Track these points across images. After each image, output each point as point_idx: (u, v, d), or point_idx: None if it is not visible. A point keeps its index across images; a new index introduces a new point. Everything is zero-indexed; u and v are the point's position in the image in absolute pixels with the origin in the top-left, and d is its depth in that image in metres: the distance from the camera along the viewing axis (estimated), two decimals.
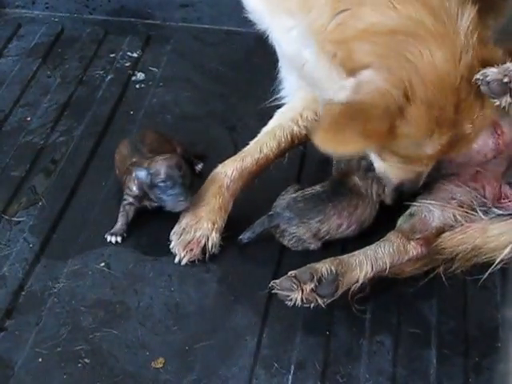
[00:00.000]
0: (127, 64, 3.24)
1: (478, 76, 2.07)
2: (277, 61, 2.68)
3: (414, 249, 2.42)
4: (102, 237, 2.54)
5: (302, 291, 2.27)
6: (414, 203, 2.49)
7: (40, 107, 3.03)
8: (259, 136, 2.64)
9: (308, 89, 2.52)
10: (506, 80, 2.05)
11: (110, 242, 2.53)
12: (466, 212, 2.45)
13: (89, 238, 2.56)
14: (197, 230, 2.47)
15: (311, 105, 2.61)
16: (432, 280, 2.42)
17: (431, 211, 2.46)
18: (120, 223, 2.54)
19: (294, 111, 2.64)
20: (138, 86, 3.15)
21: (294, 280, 2.28)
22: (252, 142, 2.62)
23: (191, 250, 2.46)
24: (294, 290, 2.27)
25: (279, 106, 2.73)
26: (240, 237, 2.50)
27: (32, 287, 2.42)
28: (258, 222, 2.49)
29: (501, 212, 2.46)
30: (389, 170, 2.37)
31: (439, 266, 2.43)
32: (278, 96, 2.78)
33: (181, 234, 2.48)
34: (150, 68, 3.23)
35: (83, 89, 3.13)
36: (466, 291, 2.44)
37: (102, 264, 2.49)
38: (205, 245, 2.47)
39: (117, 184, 2.65)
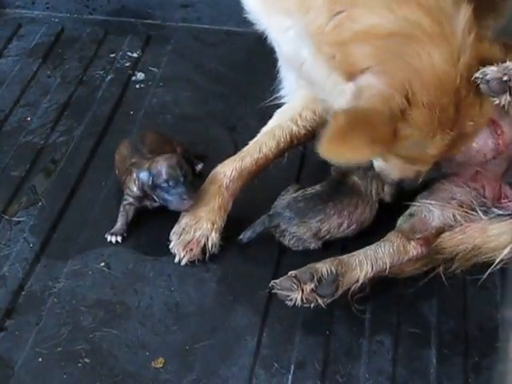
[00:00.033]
0: (127, 64, 3.24)
1: (477, 75, 2.08)
2: (277, 61, 2.69)
3: (414, 249, 2.42)
4: (102, 237, 2.54)
5: (302, 291, 2.27)
6: (414, 203, 2.49)
7: (40, 107, 3.03)
8: (258, 136, 2.64)
9: (307, 88, 2.52)
10: (505, 78, 2.06)
11: (110, 241, 2.53)
12: (466, 212, 2.45)
13: (89, 237, 2.56)
14: (196, 230, 2.47)
15: (310, 104, 2.61)
16: (432, 280, 2.42)
17: (431, 211, 2.46)
18: (120, 223, 2.54)
19: (293, 111, 2.64)
20: (137, 86, 3.15)
21: (294, 280, 2.28)
22: (251, 142, 2.62)
23: (191, 249, 2.46)
24: (294, 290, 2.27)
25: (279, 106, 2.74)
26: (240, 236, 2.50)
27: (32, 287, 2.43)
28: (259, 222, 2.49)
29: (500, 212, 2.46)
30: (389, 168, 2.37)
31: (439, 266, 2.44)
32: (278, 96, 2.79)
33: (180, 234, 2.48)
34: (150, 68, 3.23)
35: (83, 89, 3.13)
36: (466, 291, 2.44)
37: (102, 264, 2.49)
38: (204, 245, 2.47)
39: (117, 184, 2.65)
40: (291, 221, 2.45)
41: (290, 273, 2.31)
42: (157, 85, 3.15)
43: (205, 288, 2.43)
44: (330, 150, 2.06)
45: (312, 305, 2.29)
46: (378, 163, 2.39)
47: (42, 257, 2.51)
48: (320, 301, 2.29)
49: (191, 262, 2.48)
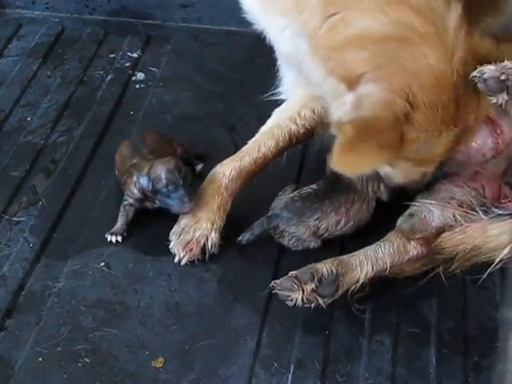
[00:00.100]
0: (127, 64, 3.24)
1: (475, 73, 2.09)
2: (276, 60, 2.69)
3: (414, 249, 2.42)
4: (102, 237, 2.54)
5: (303, 291, 2.27)
6: (414, 203, 2.49)
7: (40, 107, 3.03)
8: (257, 135, 2.64)
9: (306, 86, 2.52)
10: (502, 77, 2.07)
11: (110, 241, 2.53)
12: (466, 212, 2.45)
13: (89, 237, 2.56)
14: (196, 230, 2.47)
15: (309, 103, 2.61)
16: (431, 280, 2.42)
17: (431, 211, 2.46)
18: (120, 223, 2.54)
19: (292, 110, 2.64)
20: (137, 86, 3.15)
21: (295, 280, 2.28)
22: (250, 142, 2.62)
23: (191, 249, 2.46)
24: (295, 290, 2.28)
25: (278, 105, 2.74)
26: (239, 238, 2.50)
27: (32, 287, 2.43)
28: (257, 224, 2.49)
29: (500, 212, 2.46)
30: (395, 173, 2.38)
31: (439, 266, 2.44)
32: (278, 95, 2.79)
33: (180, 234, 2.48)
34: (150, 68, 3.23)
35: (83, 89, 3.13)
36: (466, 291, 2.44)
37: (102, 264, 2.49)
38: (204, 245, 2.47)
39: (117, 184, 2.65)
40: (289, 221, 2.45)
41: (290, 273, 2.31)
42: (157, 85, 3.15)
43: (205, 288, 2.43)
44: (342, 162, 2.09)
45: (312, 305, 2.29)
46: (385, 169, 2.40)
47: (42, 257, 2.51)
48: (320, 301, 2.29)
49: (191, 262, 2.48)
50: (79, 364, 2.23)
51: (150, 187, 2.45)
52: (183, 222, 2.50)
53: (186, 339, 2.30)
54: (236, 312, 2.37)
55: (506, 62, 2.08)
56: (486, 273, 2.39)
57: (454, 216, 2.45)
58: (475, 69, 2.10)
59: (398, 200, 2.52)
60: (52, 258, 2.51)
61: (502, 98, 2.08)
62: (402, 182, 2.42)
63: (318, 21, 2.14)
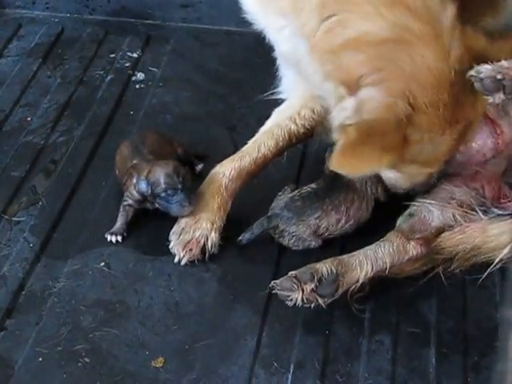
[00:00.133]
0: (127, 64, 3.24)
1: (471, 73, 2.10)
2: (276, 60, 2.69)
3: (413, 249, 2.42)
4: (102, 237, 2.54)
5: (303, 291, 2.27)
6: (414, 203, 2.49)
7: (40, 107, 3.03)
8: (257, 135, 2.64)
9: (306, 85, 2.52)
10: (499, 77, 2.07)
11: (110, 241, 2.53)
12: (466, 212, 2.45)
13: (89, 237, 2.56)
14: (196, 230, 2.47)
15: (309, 103, 2.61)
16: (431, 279, 2.42)
17: (431, 211, 2.46)
18: (120, 223, 2.55)
19: (291, 110, 2.64)
20: (137, 86, 3.15)
21: (295, 280, 2.28)
22: (250, 142, 2.62)
23: (190, 249, 2.46)
24: (295, 290, 2.28)
25: (279, 105, 2.74)
26: (239, 238, 2.50)
27: (32, 287, 2.43)
28: (257, 224, 2.49)
29: (500, 212, 2.46)
30: (400, 178, 2.38)
31: (438, 266, 2.44)
32: (277, 94, 2.79)
33: (180, 234, 2.48)
34: (150, 68, 3.23)
35: (83, 89, 3.13)
36: (465, 291, 2.44)
37: (102, 264, 2.49)
38: (204, 244, 2.47)
39: (117, 184, 2.65)
40: (290, 220, 2.45)
41: (290, 273, 2.31)
42: (157, 85, 3.15)
43: (205, 288, 2.43)
44: (343, 164, 2.10)
45: (312, 305, 2.30)
46: (389, 176, 2.40)
47: (42, 257, 2.51)
48: (320, 301, 2.29)
49: (191, 262, 2.48)
50: (79, 364, 2.23)
51: (149, 191, 2.45)
52: (183, 221, 2.50)
53: (185, 339, 2.30)
54: (236, 312, 2.37)
55: (502, 62, 2.09)
56: (486, 273, 2.40)
57: (453, 216, 2.45)
58: (471, 66, 2.11)
59: (398, 200, 2.52)
60: (52, 257, 2.51)
61: (499, 97, 2.09)
62: (408, 187, 2.43)
63: (314, 22, 2.15)
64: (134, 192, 2.49)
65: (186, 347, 2.28)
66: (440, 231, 2.45)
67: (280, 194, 2.53)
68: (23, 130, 2.94)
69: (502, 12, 2.58)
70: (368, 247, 2.40)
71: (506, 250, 2.38)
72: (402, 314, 2.38)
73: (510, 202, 2.48)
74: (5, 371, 2.22)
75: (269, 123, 2.67)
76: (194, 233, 2.47)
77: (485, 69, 2.08)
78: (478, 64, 2.10)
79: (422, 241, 2.43)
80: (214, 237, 2.48)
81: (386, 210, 2.55)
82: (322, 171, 2.59)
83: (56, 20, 3.46)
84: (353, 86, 2.13)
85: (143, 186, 2.46)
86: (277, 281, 2.32)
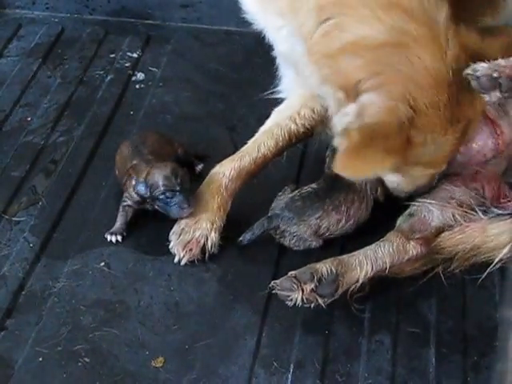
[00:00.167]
0: (127, 64, 3.24)
1: (468, 71, 2.10)
2: (276, 60, 2.69)
3: (413, 248, 2.42)
4: (102, 236, 2.54)
5: (303, 291, 2.27)
6: (414, 203, 2.49)
7: (40, 107, 3.03)
8: (257, 135, 2.64)
9: (305, 85, 2.53)
10: (495, 75, 2.07)
11: (110, 241, 2.53)
12: (466, 212, 2.45)
13: (89, 237, 2.56)
14: (196, 230, 2.48)
15: (309, 102, 2.61)
16: (431, 279, 2.42)
17: (430, 211, 2.46)
18: (119, 222, 2.55)
19: (291, 109, 2.65)
20: (137, 86, 3.15)
21: (295, 280, 2.28)
22: (250, 142, 2.62)
23: (190, 249, 2.46)
24: (295, 290, 2.28)
25: (278, 104, 2.74)
26: (240, 238, 2.50)
27: (32, 287, 2.43)
28: (257, 224, 2.49)
29: (500, 212, 2.46)
30: (402, 182, 2.38)
31: (438, 266, 2.44)
32: (278, 94, 2.79)
33: (180, 234, 2.48)
34: (150, 68, 3.23)
35: (83, 89, 3.13)
36: (465, 291, 2.44)
37: (102, 263, 2.49)
38: (204, 244, 2.47)
39: (117, 184, 2.66)
40: (290, 221, 2.45)
41: (290, 273, 2.31)
42: (157, 85, 3.15)
43: (205, 288, 2.44)
44: (347, 167, 2.11)
45: (312, 305, 2.30)
46: (392, 179, 2.40)
47: (42, 256, 2.51)
48: (320, 301, 2.29)
49: (191, 262, 2.48)
50: (79, 364, 2.23)
51: (148, 194, 2.45)
52: (183, 221, 2.50)
53: (185, 339, 2.30)
54: (236, 312, 2.37)
55: (499, 60, 2.09)
56: (486, 272, 2.40)
57: (453, 216, 2.45)
58: (467, 64, 2.11)
59: (398, 200, 2.52)
60: (52, 257, 2.51)
61: (495, 95, 2.09)
62: (410, 190, 2.43)
63: (312, 23, 2.16)
64: (133, 194, 2.50)
65: (186, 347, 2.28)
66: (440, 231, 2.45)
67: (280, 194, 2.53)
68: (23, 130, 2.94)
69: (501, 12, 2.59)
70: (368, 247, 2.41)
71: (505, 250, 2.38)
72: (402, 314, 2.38)
73: (509, 201, 2.48)
74: (5, 371, 2.22)
75: (269, 123, 2.67)
76: (194, 233, 2.47)
77: (481, 67, 2.09)
78: (474, 62, 2.10)
79: (422, 241, 2.43)
80: (213, 237, 2.48)
81: (385, 210, 2.55)
82: (322, 171, 2.59)
83: (56, 20, 3.47)
84: (351, 91, 2.14)
85: (142, 188, 2.46)
86: (277, 281, 2.32)
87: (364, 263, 2.36)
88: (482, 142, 2.44)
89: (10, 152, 2.85)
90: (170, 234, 2.50)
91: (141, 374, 2.22)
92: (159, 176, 2.44)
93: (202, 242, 2.47)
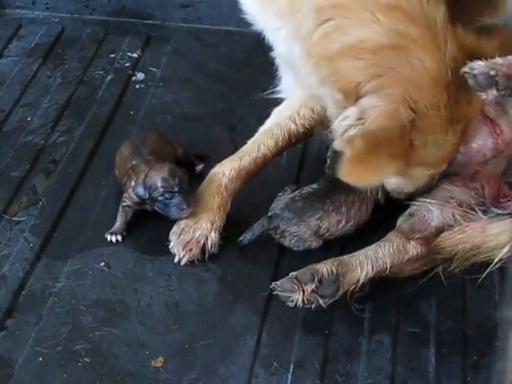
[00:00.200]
0: (127, 64, 3.25)
1: (465, 69, 2.10)
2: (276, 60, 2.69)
3: (413, 248, 2.42)
4: (102, 236, 2.54)
5: (303, 292, 2.28)
6: (414, 203, 2.49)
7: (40, 107, 3.03)
8: (257, 135, 2.64)
9: (304, 86, 2.53)
10: (492, 73, 2.07)
11: (110, 241, 2.53)
12: (465, 211, 2.45)
13: (89, 237, 2.56)
14: (196, 230, 2.48)
15: (309, 102, 2.61)
16: (431, 279, 2.42)
17: (430, 211, 2.46)
18: (119, 222, 2.55)
19: (291, 109, 2.65)
20: (137, 86, 3.15)
21: (295, 281, 2.29)
22: (250, 141, 2.62)
23: (190, 249, 2.47)
24: (295, 291, 2.28)
25: (278, 103, 2.74)
26: (240, 238, 2.50)
27: (32, 287, 2.43)
28: (257, 224, 2.49)
29: (500, 211, 2.46)
30: (402, 183, 2.38)
31: (438, 266, 2.44)
32: (277, 94, 2.79)
33: (180, 234, 2.48)
34: (150, 68, 3.23)
35: (83, 89, 3.13)
36: (465, 290, 2.44)
37: (102, 263, 2.49)
38: (204, 244, 2.47)
39: (117, 184, 2.66)
40: (290, 221, 2.45)
41: (290, 274, 2.31)
42: (157, 85, 3.15)
43: (204, 287, 2.44)
44: (353, 175, 2.12)
45: (313, 305, 2.30)
46: (391, 181, 2.40)
47: (42, 256, 2.51)
48: (321, 301, 2.29)
49: (191, 262, 2.48)
50: (79, 364, 2.23)
51: (147, 195, 2.45)
52: (183, 221, 2.50)
53: (185, 339, 2.30)
54: (236, 312, 2.37)
55: (496, 58, 2.09)
56: (485, 272, 2.40)
57: (453, 215, 2.45)
58: (465, 63, 2.11)
59: (398, 200, 2.52)
60: (52, 257, 2.51)
61: (492, 93, 2.09)
62: (410, 191, 2.43)
63: (310, 25, 2.16)
64: (133, 195, 2.50)
65: (185, 347, 2.28)
66: (440, 231, 2.45)
67: (280, 194, 2.53)
68: (23, 130, 2.94)
69: (500, 11, 2.58)
70: (368, 247, 2.41)
71: (505, 250, 2.38)
72: (402, 314, 2.38)
73: (509, 201, 2.48)
74: (5, 371, 2.22)
75: (268, 123, 2.67)
76: (194, 233, 2.47)
77: (478, 65, 2.09)
78: (471, 61, 2.10)
79: (422, 240, 2.43)
80: (213, 237, 2.48)
81: (385, 211, 2.55)
82: (323, 171, 2.59)
83: (56, 20, 3.47)
84: (350, 93, 2.14)
85: (141, 190, 2.46)
86: (277, 282, 2.32)
87: (364, 263, 2.36)
88: (481, 142, 2.44)
89: (10, 152, 2.85)
90: (170, 234, 2.50)
91: (141, 374, 2.22)
92: (157, 177, 2.44)
93: (202, 241, 2.47)
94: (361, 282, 2.35)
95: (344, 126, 2.18)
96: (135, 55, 3.29)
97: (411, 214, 2.48)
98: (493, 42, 2.17)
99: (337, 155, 2.51)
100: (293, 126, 2.62)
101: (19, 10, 3.50)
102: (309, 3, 2.16)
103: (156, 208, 2.48)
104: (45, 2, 3.48)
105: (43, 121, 2.98)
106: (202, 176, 2.64)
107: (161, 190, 2.42)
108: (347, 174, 2.11)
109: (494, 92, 2.08)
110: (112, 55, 3.28)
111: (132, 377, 2.21)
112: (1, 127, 2.95)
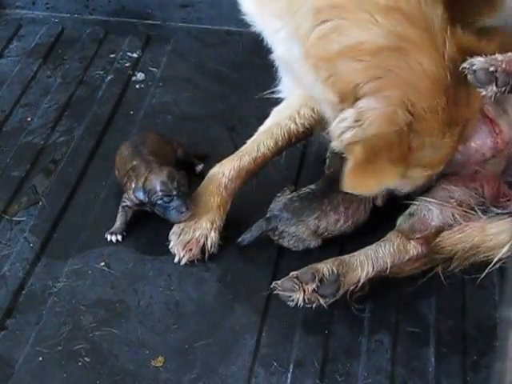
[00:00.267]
0: (127, 64, 3.25)
1: (464, 65, 2.10)
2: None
3: (414, 248, 2.42)
4: (102, 236, 2.54)
5: (304, 292, 2.28)
6: (414, 202, 2.49)
7: (40, 107, 3.04)
8: (256, 135, 2.64)
9: (302, 87, 2.53)
10: (492, 69, 2.07)
11: (110, 241, 2.53)
12: (465, 211, 2.45)
13: (89, 237, 2.57)
14: (196, 230, 2.48)
15: (308, 102, 2.61)
16: (431, 279, 2.43)
17: (430, 210, 2.46)
18: (119, 222, 2.55)
19: (290, 109, 2.64)
20: (137, 87, 3.15)
21: (296, 281, 2.29)
22: (249, 141, 2.62)
23: (190, 249, 2.47)
24: (296, 291, 2.28)
25: (278, 103, 2.74)
26: (239, 239, 2.50)
27: (32, 286, 2.43)
28: (256, 226, 2.49)
29: (499, 211, 2.46)
30: (400, 184, 2.38)
31: (438, 266, 2.44)
32: (277, 93, 2.79)
33: (180, 234, 2.48)
34: (150, 68, 3.23)
35: (83, 89, 3.13)
36: (465, 290, 2.44)
37: (102, 263, 2.49)
38: (204, 244, 2.47)
39: (117, 184, 2.66)
40: (289, 221, 2.45)
41: (291, 273, 2.31)
42: (157, 85, 3.15)
43: (204, 287, 2.44)
44: (356, 185, 2.12)
45: (313, 305, 2.30)
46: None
47: (42, 256, 2.52)
48: (322, 301, 2.29)
49: (191, 262, 2.48)
50: (79, 363, 2.24)
51: (147, 199, 2.45)
52: (183, 221, 2.50)
53: (185, 338, 2.30)
54: (236, 312, 2.38)
55: (496, 55, 2.09)
56: (485, 272, 2.40)
57: (453, 215, 2.45)
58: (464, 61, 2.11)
59: (398, 200, 2.52)
60: (52, 257, 2.51)
61: (491, 89, 2.09)
62: (407, 190, 2.43)
63: (309, 25, 2.15)
64: (133, 197, 2.50)
65: (185, 347, 2.28)
66: (440, 230, 2.45)
67: (279, 195, 2.53)
68: (23, 130, 2.94)
69: (499, 11, 2.58)
70: (368, 247, 2.41)
71: (504, 249, 2.38)
72: (402, 314, 2.38)
73: (509, 200, 2.48)
74: (5, 371, 2.22)
75: (268, 122, 2.67)
76: (194, 233, 2.47)
77: (478, 61, 2.09)
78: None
79: (422, 240, 2.43)
80: (213, 236, 2.48)
81: (385, 210, 2.55)
82: (322, 172, 2.59)
83: (56, 20, 3.47)
84: (348, 95, 2.14)
85: (140, 194, 2.46)
86: (278, 281, 2.32)
87: (365, 263, 2.36)
88: (480, 141, 2.44)
89: (10, 152, 2.85)
90: (170, 233, 2.50)
91: (141, 374, 2.22)
92: (156, 181, 2.44)
93: (202, 241, 2.47)
94: (361, 281, 2.35)
95: (341, 127, 2.18)
96: (135, 55, 3.29)
97: (411, 214, 2.49)
98: (493, 43, 2.17)
99: (336, 156, 2.52)
100: (293, 126, 2.62)
101: (19, 10, 3.50)
102: (307, 4, 2.16)
103: (156, 211, 2.48)
104: (45, 1, 3.49)
105: (43, 121, 2.98)
106: (202, 176, 2.64)
107: (160, 193, 2.42)
108: (351, 184, 2.12)
109: (494, 88, 2.08)
110: (112, 55, 3.28)
111: (132, 376, 2.21)
112: (1, 127, 2.95)
